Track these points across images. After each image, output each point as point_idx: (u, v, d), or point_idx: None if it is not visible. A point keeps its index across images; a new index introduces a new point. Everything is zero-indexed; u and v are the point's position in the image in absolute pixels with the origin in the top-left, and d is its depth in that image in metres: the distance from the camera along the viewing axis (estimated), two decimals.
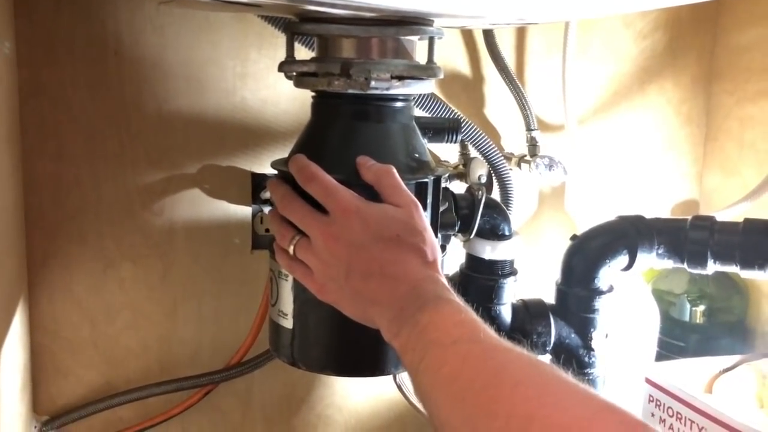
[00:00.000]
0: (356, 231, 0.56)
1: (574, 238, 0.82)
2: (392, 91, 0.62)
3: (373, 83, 0.60)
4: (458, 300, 0.52)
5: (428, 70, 0.64)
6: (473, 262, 0.78)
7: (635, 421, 0.38)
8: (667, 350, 1.02)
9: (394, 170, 0.59)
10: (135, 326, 0.86)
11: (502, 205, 0.79)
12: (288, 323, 0.65)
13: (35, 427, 0.83)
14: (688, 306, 1.03)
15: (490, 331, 0.48)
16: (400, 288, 0.54)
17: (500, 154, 0.91)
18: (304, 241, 0.59)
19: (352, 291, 0.56)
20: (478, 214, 0.73)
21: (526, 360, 0.45)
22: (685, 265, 0.78)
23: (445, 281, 0.55)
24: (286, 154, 0.68)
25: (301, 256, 0.59)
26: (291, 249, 0.60)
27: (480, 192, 0.74)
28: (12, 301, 0.75)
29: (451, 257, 0.78)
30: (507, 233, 0.77)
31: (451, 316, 0.50)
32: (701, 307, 1.03)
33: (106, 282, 0.84)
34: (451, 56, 0.94)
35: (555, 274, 0.83)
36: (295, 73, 0.65)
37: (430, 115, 0.85)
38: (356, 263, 0.55)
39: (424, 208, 0.62)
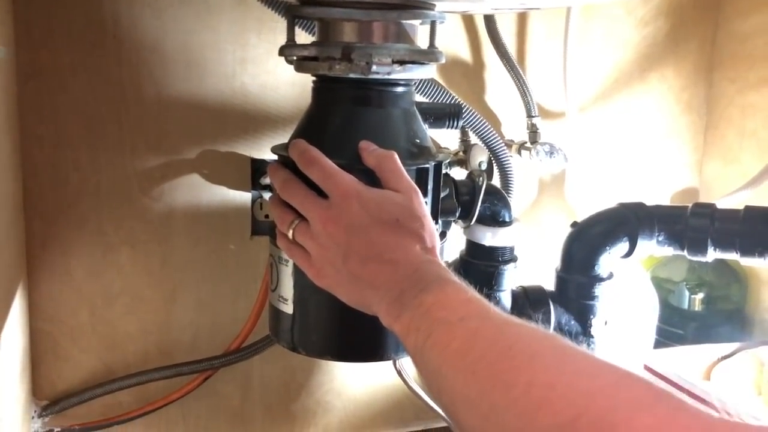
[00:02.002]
0: (355, 215, 0.55)
1: (574, 225, 0.82)
2: (393, 76, 0.62)
3: (374, 68, 0.60)
4: (461, 281, 0.52)
5: (430, 54, 0.63)
6: (473, 248, 0.77)
7: (659, 387, 0.37)
8: (666, 338, 1.02)
9: (396, 156, 0.59)
10: (134, 311, 0.86)
11: (503, 192, 0.79)
12: (288, 308, 0.65)
13: (35, 411, 0.83)
14: (687, 294, 1.03)
15: (497, 308, 0.48)
16: (400, 271, 0.53)
17: (501, 141, 0.91)
18: (303, 225, 0.58)
19: (350, 275, 0.55)
20: (479, 201, 0.73)
21: (540, 333, 0.44)
22: (685, 253, 0.78)
23: (444, 264, 0.55)
24: (285, 140, 0.67)
25: (300, 240, 0.59)
26: (290, 233, 0.59)
27: (481, 178, 0.74)
28: (11, 286, 0.74)
29: (451, 243, 0.78)
30: (507, 220, 0.77)
31: (456, 294, 0.50)
32: (700, 295, 1.03)
33: (105, 267, 0.84)
34: (452, 42, 0.94)
35: (555, 260, 0.83)
36: (295, 57, 0.65)
37: (431, 101, 0.85)
38: (355, 247, 0.55)
39: (425, 194, 0.62)
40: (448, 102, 0.85)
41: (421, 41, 0.65)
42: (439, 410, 0.85)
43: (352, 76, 0.61)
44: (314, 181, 0.58)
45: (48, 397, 0.85)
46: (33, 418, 0.83)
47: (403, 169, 0.59)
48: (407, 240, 0.55)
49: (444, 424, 0.88)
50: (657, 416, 0.34)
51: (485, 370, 0.42)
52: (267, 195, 0.87)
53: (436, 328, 0.47)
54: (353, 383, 0.98)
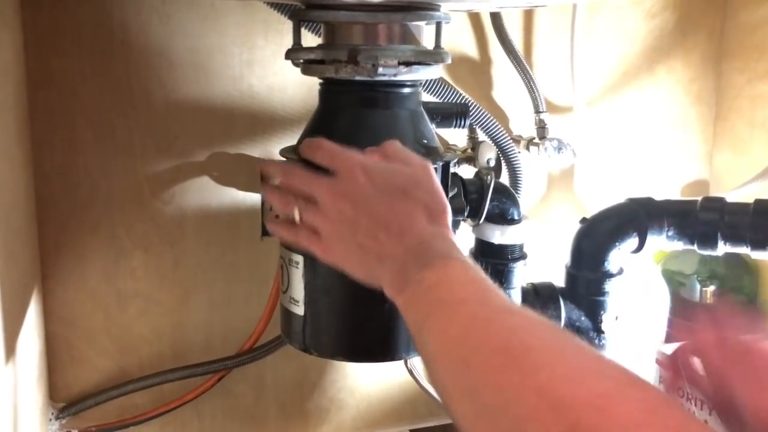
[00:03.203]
0: (362, 186, 0.55)
1: (583, 221, 0.82)
2: (400, 78, 0.62)
3: (380, 70, 0.60)
4: (467, 259, 0.51)
5: (436, 55, 0.63)
6: (483, 246, 0.78)
7: (658, 397, 0.34)
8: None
9: (398, 141, 0.59)
10: (148, 314, 0.87)
11: (511, 190, 0.79)
12: (299, 310, 0.66)
13: (52, 413, 0.84)
14: (698, 286, 1.03)
15: (499, 292, 0.47)
16: (405, 242, 0.53)
17: (509, 138, 0.91)
18: (310, 206, 0.58)
19: (358, 248, 0.55)
20: (488, 199, 0.73)
21: (537, 323, 0.43)
22: (695, 247, 0.77)
23: (453, 239, 0.55)
24: (294, 141, 0.68)
25: (308, 219, 0.58)
26: (297, 215, 0.59)
27: (489, 177, 0.74)
28: (26, 291, 0.75)
29: (461, 241, 0.78)
30: (516, 217, 0.77)
31: (459, 275, 0.49)
32: (712, 288, 1.02)
33: (118, 270, 0.85)
34: (459, 39, 0.93)
35: (565, 257, 0.83)
36: (302, 61, 0.65)
37: (438, 101, 0.85)
38: (362, 219, 0.55)
39: None
40: (455, 101, 0.85)
41: (427, 41, 0.65)
42: None
43: (358, 78, 0.61)
44: (320, 163, 0.58)
45: (65, 399, 0.86)
46: (50, 420, 0.84)
47: (409, 150, 0.59)
48: (414, 210, 0.55)
49: None
50: None
51: (479, 365, 0.41)
52: None
53: (435, 310, 0.47)
54: (366, 380, 0.99)
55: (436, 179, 0.58)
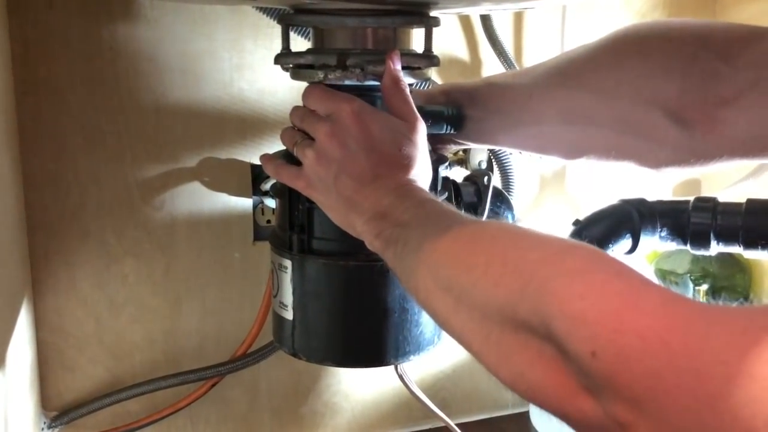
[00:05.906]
0: (353, 135, 0.56)
1: (576, 222, 0.82)
2: None
3: (369, 74, 0.60)
4: (440, 200, 0.54)
5: (425, 59, 0.63)
6: None
7: (605, 257, 0.39)
8: None
9: (406, 85, 0.60)
10: (140, 321, 0.87)
11: (505, 193, 0.79)
12: (288, 315, 0.66)
13: (44, 422, 0.84)
14: (691, 285, 1.03)
15: (470, 216, 0.51)
16: (388, 197, 0.54)
17: None
18: (306, 141, 0.59)
19: (338, 195, 0.56)
20: (488, 200, 0.72)
21: (499, 223, 0.49)
22: (688, 247, 0.77)
23: (428, 192, 0.56)
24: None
25: (299, 153, 0.60)
26: (294, 149, 0.60)
27: (486, 177, 0.74)
28: (17, 299, 0.75)
29: None
30: (510, 221, 0.76)
31: (432, 209, 0.52)
32: (704, 287, 1.02)
33: (109, 277, 0.84)
34: (449, 41, 0.93)
35: None
36: (291, 65, 0.65)
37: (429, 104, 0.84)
38: (348, 167, 0.56)
39: None
40: (447, 106, 0.85)
41: (417, 44, 0.65)
42: (442, 414, 0.85)
43: (347, 83, 0.61)
44: (317, 107, 0.59)
45: (57, 408, 0.85)
46: (43, 429, 0.84)
47: (410, 99, 0.59)
48: (401, 169, 0.56)
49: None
50: (591, 283, 0.35)
51: (452, 259, 0.46)
52: (268, 200, 0.88)
53: (411, 238, 0.50)
54: (360, 385, 0.98)
55: (425, 138, 0.59)
